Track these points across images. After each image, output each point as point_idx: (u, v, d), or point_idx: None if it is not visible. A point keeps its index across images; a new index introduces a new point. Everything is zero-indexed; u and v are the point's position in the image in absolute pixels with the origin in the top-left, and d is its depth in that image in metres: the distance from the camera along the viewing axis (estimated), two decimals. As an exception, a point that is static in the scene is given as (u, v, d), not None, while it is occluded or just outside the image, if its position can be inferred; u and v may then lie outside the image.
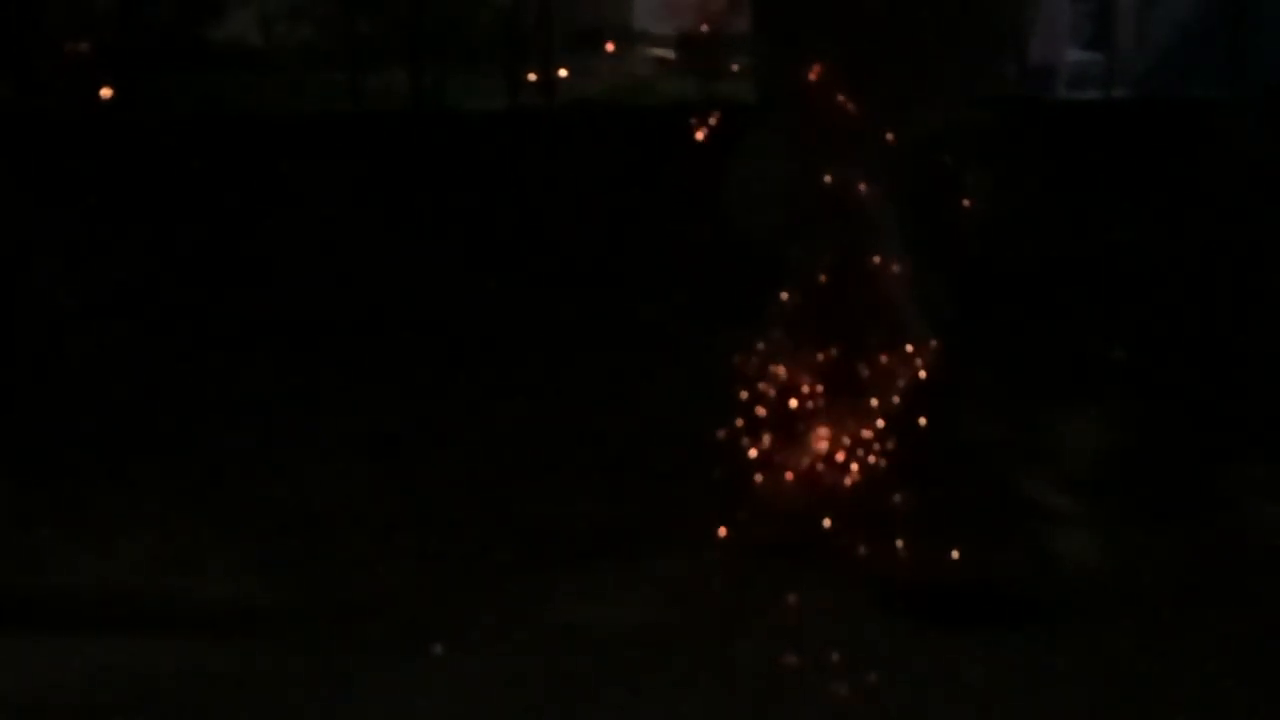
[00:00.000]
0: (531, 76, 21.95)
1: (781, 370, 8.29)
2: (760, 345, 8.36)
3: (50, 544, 8.21)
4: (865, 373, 8.27)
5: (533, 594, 7.63)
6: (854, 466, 8.16)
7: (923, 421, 8.26)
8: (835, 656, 6.94)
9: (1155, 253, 12.90)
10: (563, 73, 22.48)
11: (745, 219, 8.23)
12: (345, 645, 7.05)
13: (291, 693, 6.61)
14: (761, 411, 8.27)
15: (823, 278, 8.31)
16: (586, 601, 7.57)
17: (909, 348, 8.23)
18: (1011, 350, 10.71)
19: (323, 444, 9.80)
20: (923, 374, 8.24)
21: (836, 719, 6.39)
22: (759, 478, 8.17)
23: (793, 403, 8.25)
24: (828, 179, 8.28)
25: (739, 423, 8.28)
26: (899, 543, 7.88)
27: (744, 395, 8.28)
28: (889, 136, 8.27)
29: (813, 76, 8.33)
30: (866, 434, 8.19)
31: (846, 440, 8.19)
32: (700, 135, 8.79)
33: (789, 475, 8.15)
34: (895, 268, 8.30)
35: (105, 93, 19.33)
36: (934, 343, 8.24)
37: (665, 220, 14.51)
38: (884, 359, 8.26)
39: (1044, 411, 9.30)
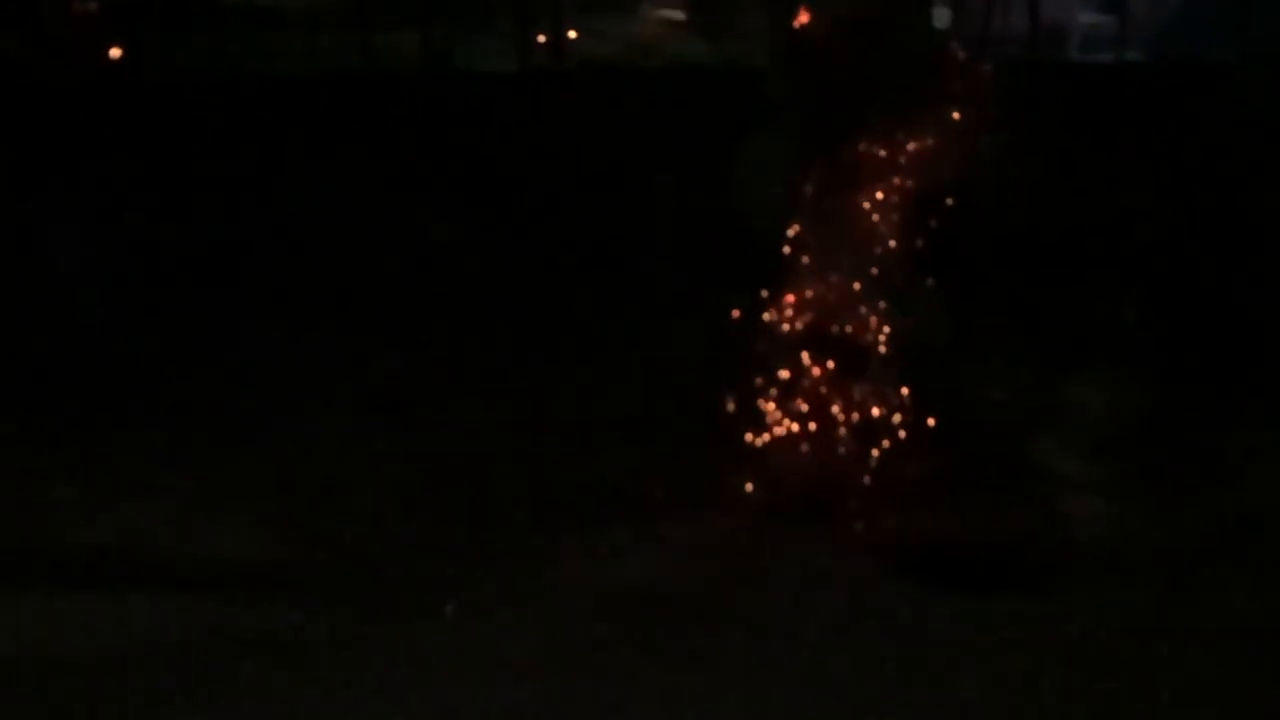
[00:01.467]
0: (541, 38, 21.91)
1: (795, 334, 8.30)
2: (773, 308, 8.36)
3: (68, 504, 8.24)
4: (876, 338, 8.27)
5: (546, 555, 7.65)
6: (866, 432, 8.17)
7: (934, 387, 8.28)
8: (846, 619, 6.96)
9: (1167, 215, 12.89)
10: (572, 34, 22.45)
11: (754, 196, 8.24)
12: (360, 606, 7.08)
13: (306, 652, 6.64)
14: (775, 376, 8.28)
15: (830, 245, 8.33)
16: (599, 563, 7.59)
17: (916, 312, 8.25)
18: (1022, 314, 10.72)
19: (337, 406, 9.82)
20: (930, 341, 8.26)
21: (847, 680, 6.42)
22: (772, 442, 8.19)
23: (805, 368, 8.26)
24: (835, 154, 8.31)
25: (752, 387, 8.29)
26: (911, 507, 7.90)
27: (757, 359, 8.30)
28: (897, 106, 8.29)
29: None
30: (878, 400, 8.21)
31: (859, 406, 8.20)
32: (710, 97, 8.79)
33: (802, 440, 8.17)
34: (902, 238, 8.32)
35: (114, 53, 19.32)
36: (939, 310, 8.26)
37: (676, 182, 14.53)
38: (893, 324, 8.27)
39: (1056, 376, 9.30)
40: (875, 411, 8.16)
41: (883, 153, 8.27)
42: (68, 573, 7.44)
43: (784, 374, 8.24)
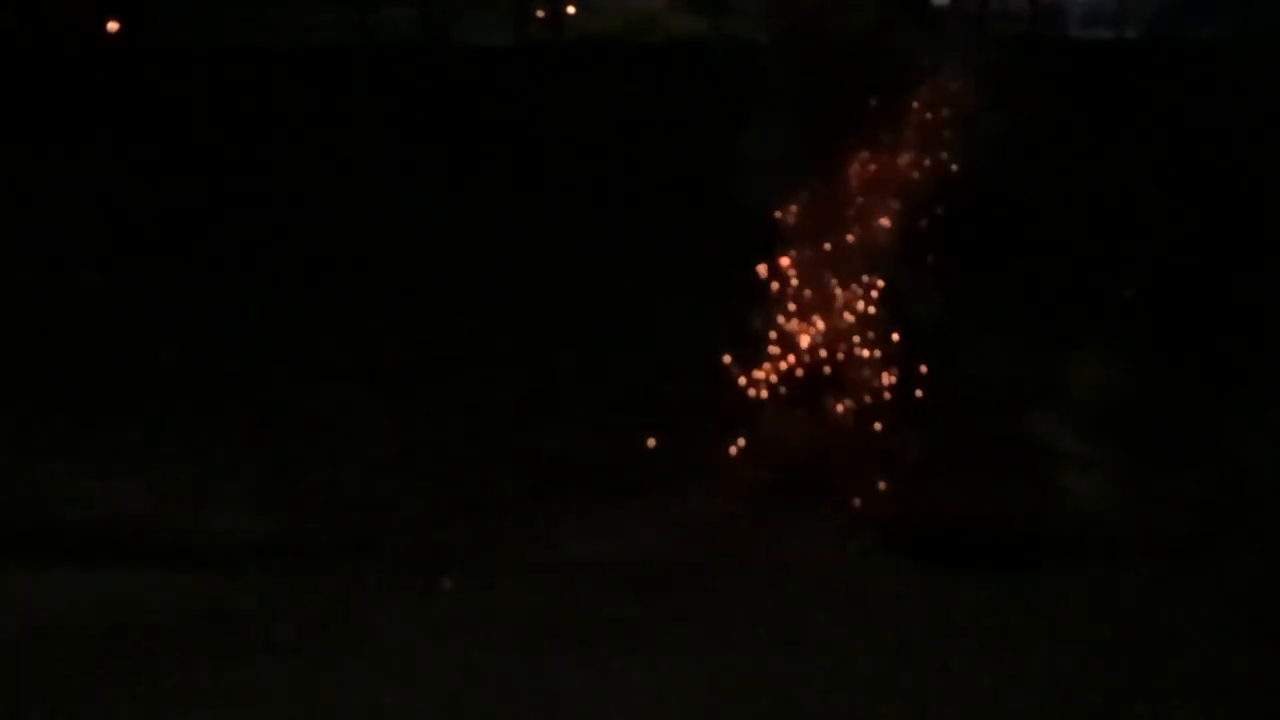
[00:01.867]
0: (539, 13, 21.87)
1: (790, 309, 8.31)
2: (768, 283, 8.37)
3: (62, 478, 8.23)
4: (871, 313, 8.29)
5: (541, 530, 7.67)
6: (862, 407, 8.18)
7: (933, 364, 8.30)
8: (845, 596, 6.97)
9: (1165, 192, 12.86)
10: (570, 10, 22.41)
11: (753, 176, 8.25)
12: (355, 579, 7.09)
13: (302, 625, 6.65)
14: (771, 350, 8.29)
15: (827, 219, 8.35)
16: (593, 537, 7.60)
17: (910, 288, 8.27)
18: (1020, 291, 10.70)
19: (332, 379, 9.81)
20: (925, 316, 8.29)
21: (841, 656, 6.43)
22: (768, 418, 8.19)
23: (801, 343, 8.27)
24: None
25: (751, 362, 8.30)
26: (910, 484, 7.90)
27: (752, 333, 8.30)
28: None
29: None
30: (874, 375, 8.22)
31: (854, 382, 8.21)
32: (708, 72, 8.80)
33: (797, 415, 8.18)
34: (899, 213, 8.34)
35: (112, 26, 19.25)
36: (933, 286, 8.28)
37: (673, 156, 14.50)
38: (887, 301, 8.29)
39: (1052, 352, 9.30)
40: (873, 388, 8.18)
41: (877, 133, 8.30)
42: (63, 548, 7.44)
43: (782, 348, 8.26)
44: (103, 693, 6.11)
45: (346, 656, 6.40)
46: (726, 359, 8.34)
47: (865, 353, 8.27)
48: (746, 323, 8.35)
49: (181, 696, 6.09)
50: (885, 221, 8.31)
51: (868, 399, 8.21)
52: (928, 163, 8.37)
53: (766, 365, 8.31)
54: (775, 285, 8.35)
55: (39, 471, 8.33)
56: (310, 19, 20.78)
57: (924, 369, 8.33)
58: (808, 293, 8.36)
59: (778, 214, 8.35)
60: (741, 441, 8.16)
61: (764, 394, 8.26)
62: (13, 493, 8.10)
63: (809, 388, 8.25)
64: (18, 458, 8.54)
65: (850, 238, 8.33)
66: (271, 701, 6.07)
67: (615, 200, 13.94)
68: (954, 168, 8.39)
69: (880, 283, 8.32)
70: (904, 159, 8.36)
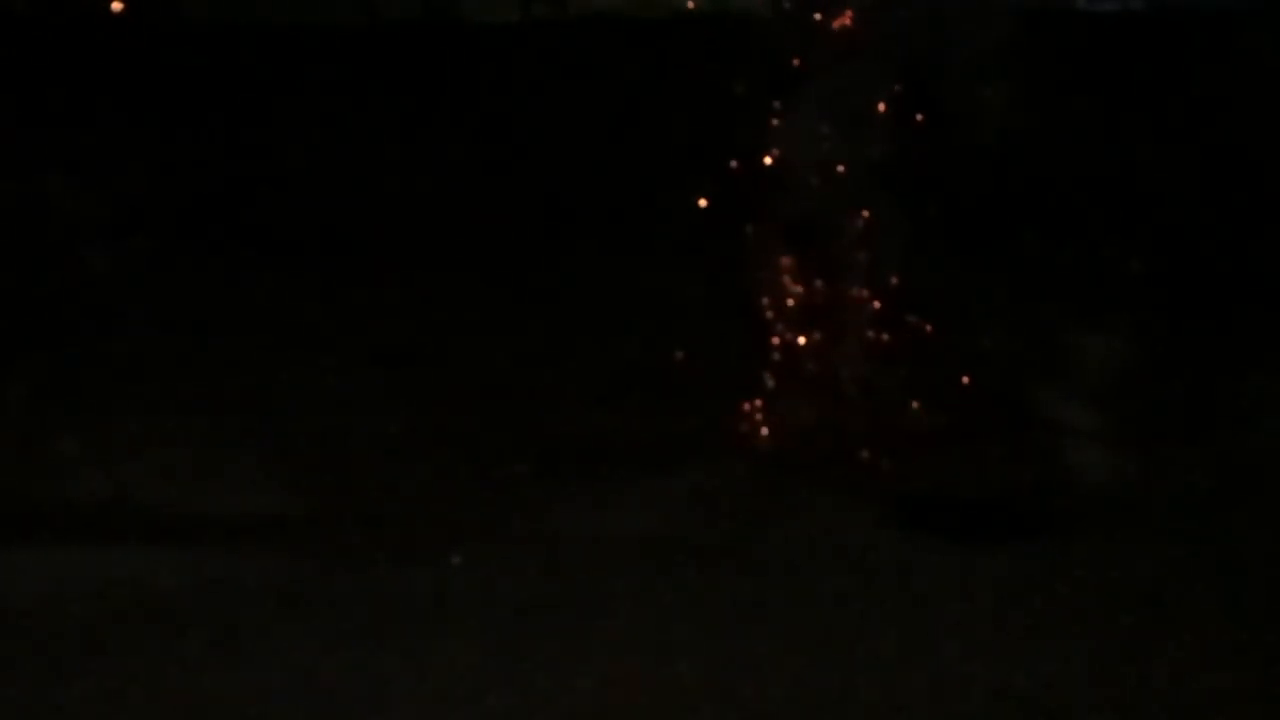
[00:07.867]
0: (544, -11, 21.82)
1: (798, 284, 8.30)
2: (776, 257, 8.36)
3: (70, 457, 8.24)
4: (880, 288, 8.29)
5: (551, 504, 7.66)
6: (872, 382, 8.18)
7: (940, 338, 8.30)
8: (851, 568, 6.96)
9: (1174, 165, 12.83)
10: (575, -15, 22.35)
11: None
12: (363, 555, 7.08)
13: (309, 603, 6.64)
14: (779, 325, 8.29)
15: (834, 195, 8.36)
16: (604, 511, 7.60)
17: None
18: (1029, 264, 10.71)
19: (339, 357, 9.81)
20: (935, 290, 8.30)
21: (850, 628, 6.42)
22: (777, 392, 8.19)
23: (810, 317, 8.27)
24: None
25: (756, 336, 8.29)
26: (917, 457, 7.89)
27: (762, 308, 8.29)
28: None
29: None
30: (884, 349, 8.21)
31: (864, 356, 8.21)
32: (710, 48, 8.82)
33: (807, 390, 8.18)
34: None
35: (116, 6, 19.20)
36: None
37: (678, 133, 14.47)
38: (898, 275, 8.29)
39: (1061, 326, 9.30)
40: (883, 363, 8.18)
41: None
42: (71, 527, 7.44)
43: (790, 322, 8.27)
44: (105, 670, 6.09)
45: (353, 632, 6.39)
46: (731, 334, 8.34)
47: (875, 329, 8.27)
48: (753, 299, 8.34)
49: (183, 674, 6.08)
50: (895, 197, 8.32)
51: (876, 374, 8.20)
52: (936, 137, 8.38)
53: (774, 340, 8.30)
54: (783, 261, 8.34)
55: (47, 451, 8.33)
56: (314, -4, 20.71)
57: (934, 343, 8.32)
58: (815, 265, 8.36)
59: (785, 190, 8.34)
60: (748, 416, 8.15)
61: (772, 369, 8.25)
62: (22, 471, 8.10)
63: (818, 363, 8.25)
64: (27, 437, 8.54)
65: (859, 216, 8.32)
66: (274, 677, 6.06)
67: (620, 177, 13.91)
68: (963, 144, 8.39)
69: (890, 259, 8.32)
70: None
